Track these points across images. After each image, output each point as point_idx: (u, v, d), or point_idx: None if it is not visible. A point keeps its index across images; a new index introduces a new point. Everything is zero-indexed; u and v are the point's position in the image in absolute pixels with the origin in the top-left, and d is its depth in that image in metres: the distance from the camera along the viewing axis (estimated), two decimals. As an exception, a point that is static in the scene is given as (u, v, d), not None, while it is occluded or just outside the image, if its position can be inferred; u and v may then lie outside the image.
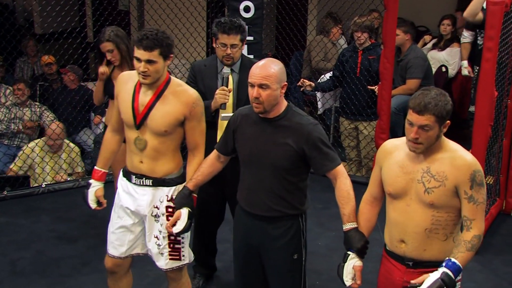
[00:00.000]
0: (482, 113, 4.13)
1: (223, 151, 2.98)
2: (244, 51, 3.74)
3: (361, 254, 2.70)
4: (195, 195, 3.03)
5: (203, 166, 3.03)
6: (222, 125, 3.48)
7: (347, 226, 2.72)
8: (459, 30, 6.61)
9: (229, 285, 3.90)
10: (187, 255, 3.14)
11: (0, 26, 6.14)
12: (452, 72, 6.46)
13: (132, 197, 3.06)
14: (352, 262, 2.69)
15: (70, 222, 4.76)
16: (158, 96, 2.93)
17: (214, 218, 3.82)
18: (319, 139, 2.74)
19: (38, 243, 4.48)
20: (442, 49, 6.52)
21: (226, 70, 3.48)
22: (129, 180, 3.07)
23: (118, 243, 3.14)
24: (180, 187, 3.04)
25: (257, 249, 2.90)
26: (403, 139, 2.56)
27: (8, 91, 6.26)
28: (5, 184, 5.24)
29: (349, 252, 2.71)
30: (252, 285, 3.00)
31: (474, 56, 6.07)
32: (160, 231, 3.05)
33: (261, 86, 2.67)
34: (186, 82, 3.67)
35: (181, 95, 2.94)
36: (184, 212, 2.96)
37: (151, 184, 3.02)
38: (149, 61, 2.81)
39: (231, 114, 3.35)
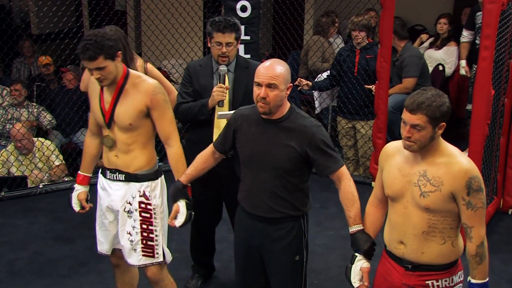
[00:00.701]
0: (479, 111, 4.14)
1: (220, 149, 2.97)
2: (241, 50, 3.74)
3: (368, 255, 2.71)
4: (189, 185, 3.02)
5: (197, 161, 3.01)
6: (218, 123, 3.48)
7: (354, 228, 2.72)
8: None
9: (227, 285, 3.90)
10: (161, 254, 3.13)
11: (-3, 26, 6.14)
12: (449, 71, 6.47)
13: (106, 192, 3.12)
14: (360, 264, 2.70)
15: (67, 222, 4.76)
16: (119, 92, 2.98)
17: (211, 218, 3.81)
18: (322, 141, 2.73)
19: (36, 244, 4.47)
20: (439, 48, 6.52)
21: (223, 67, 3.47)
22: (105, 176, 3.13)
23: (102, 240, 3.23)
24: (153, 183, 3.07)
25: (258, 250, 2.89)
26: None
27: (4, 91, 6.24)
28: (2, 184, 5.23)
29: (356, 254, 2.71)
30: (253, 286, 2.99)
31: (472, 55, 6.08)
32: (133, 227, 3.07)
33: (269, 86, 2.66)
34: (182, 83, 3.68)
35: (140, 86, 2.97)
36: (182, 204, 2.96)
37: (123, 179, 3.06)
38: (98, 69, 2.85)
39: (228, 112, 3.36)
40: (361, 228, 2.72)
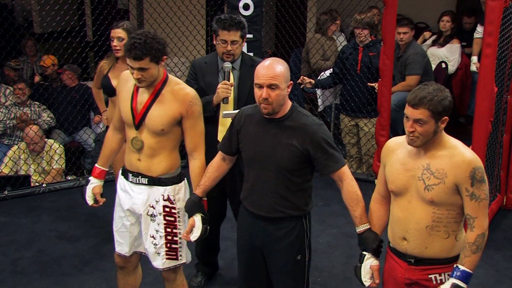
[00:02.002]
0: (482, 108, 4.13)
1: (227, 152, 2.96)
2: (244, 48, 3.75)
3: (376, 254, 2.72)
4: (205, 199, 3.02)
5: (209, 171, 2.99)
6: (223, 121, 3.49)
7: (361, 228, 2.73)
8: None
9: (231, 283, 3.91)
10: (185, 255, 3.13)
11: (-1, 25, 6.14)
12: (451, 68, 6.46)
13: (128, 195, 3.08)
14: (369, 262, 2.72)
15: (71, 221, 4.77)
16: (155, 96, 2.93)
17: (215, 216, 3.81)
18: (324, 139, 2.73)
19: (39, 243, 4.48)
20: (442, 45, 6.52)
21: (227, 64, 3.48)
22: (126, 178, 3.08)
23: (122, 242, 3.18)
24: (176, 187, 3.04)
25: (260, 249, 2.89)
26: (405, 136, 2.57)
27: (8, 91, 6.27)
28: (5, 184, 5.24)
29: (364, 253, 2.72)
30: (256, 285, 3.00)
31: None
32: (156, 231, 3.04)
33: (270, 86, 2.65)
34: (187, 79, 3.69)
35: (178, 94, 2.93)
36: (198, 219, 2.95)
37: (146, 183, 3.02)
38: (141, 69, 2.82)
39: (232, 112, 3.37)
40: (368, 227, 2.73)
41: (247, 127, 2.83)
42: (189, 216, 2.97)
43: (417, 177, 2.50)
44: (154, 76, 2.88)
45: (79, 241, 4.50)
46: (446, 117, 2.44)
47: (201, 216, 2.96)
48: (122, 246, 3.19)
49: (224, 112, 3.45)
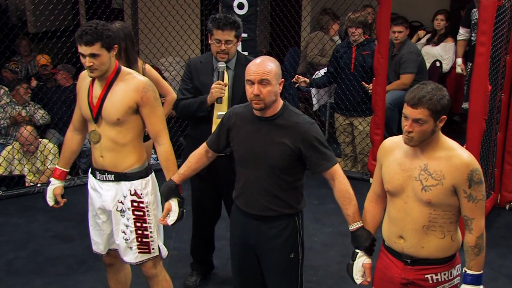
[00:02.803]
0: (476, 107, 4.15)
1: (214, 148, 2.97)
2: (239, 48, 3.75)
3: (369, 252, 2.73)
4: (180, 185, 3.03)
5: (190, 161, 3.01)
6: (217, 121, 3.47)
7: (353, 226, 2.74)
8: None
9: (226, 282, 3.91)
10: (157, 248, 3.14)
11: (-7, 25, 6.13)
12: (446, 67, 6.48)
13: (98, 193, 3.11)
14: (361, 260, 2.72)
15: (66, 221, 4.76)
16: (109, 86, 2.97)
17: (210, 215, 3.82)
18: (315, 138, 2.73)
19: (34, 243, 4.48)
20: (436, 44, 6.53)
21: (221, 64, 3.48)
22: (95, 176, 3.12)
23: (97, 240, 3.23)
24: (143, 181, 3.06)
25: (253, 248, 2.90)
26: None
27: (2, 91, 6.25)
28: (0, 184, 5.23)
29: (357, 250, 2.73)
30: (250, 284, 3.00)
31: (468, 52, 6.10)
32: (126, 226, 3.07)
33: (261, 82, 2.66)
34: (182, 79, 3.69)
35: (131, 82, 2.97)
36: (174, 203, 2.97)
37: (113, 179, 3.05)
38: (92, 55, 2.85)
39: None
40: (361, 225, 2.73)
41: (238, 126, 2.83)
42: (165, 201, 2.98)
43: (414, 178, 2.50)
44: (106, 65, 2.91)
45: (74, 241, 4.49)
46: (445, 116, 2.44)
47: (178, 200, 2.98)
48: (97, 245, 3.24)
49: (219, 112, 3.46)
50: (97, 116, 2.99)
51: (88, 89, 3.03)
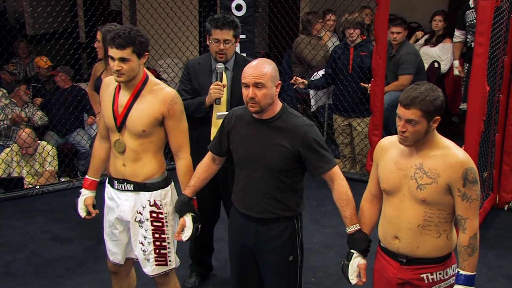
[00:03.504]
0: (474, 107, 4.15)
1: (217, 152, 2.96)
2: (237, 49, 3.75)
3: (364, 253, 2.73)
4: (195, 198, 3.01)
5: (198, 171, 2.99)
6: (216, 122, 3.49)
7: (351, 228, 2.73)
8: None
9: (225, 283, 3.91)
10: (174, 260, 3.11)
11: (-9, 27, 6.13)
12: (444, 67, 6.48)
13: (115, 203, 3.06)
14: (357, 261, 2.72)
15: (64, 223, 4.76)
16: (136, 96, 2.91)
17: (209, 217, 3.82)
18: (314, 140, 2.73)
19: (33, 244, 4.47)
20: (434, 45, 6.54)
21: (220, 65, 3.48)
22: (112, 186, 3.06)
23: (114, 251, 3.17)
24: (163, 192, 3.01)
25: (252, 250, 2.89)
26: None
27: (0, 93, 6.25)
28: (-1, 186, 5.23)
29: (352, 251, 2.73)
30: (248, 286, 3.00)
31: (464, 54, 6.11)
32: (145, 237, 3.03)
33: (256, 85, 2.65)
34: (180, 80, 3.69)
35: (159, 93, 2.91)
36: (188, 218, 2.96)
37: (132, 189, 2.99)
38: (122, 59, 2.80)
39: (226, 113, 3.37)
40: (359, 227, 2.73)
41: (238, 128, 2.83)
42: (180, 217, 2.96)
43: (409, 176, 2.51)
44: (134, 71, 2.85)
45: (72, 243, 4.49)
46: (438, 117, 2.44)
47: (192, 215, 2.96)
48: (115, 255, 3.17)
49: (218, 113, 3.45)
50: (121, 125, 2.92)
51: (113, 97, 2.96)
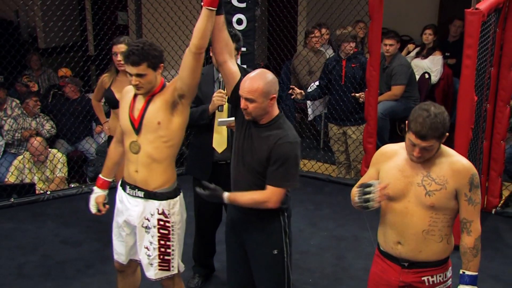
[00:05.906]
0: (463, 116, 4.16)
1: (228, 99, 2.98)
2: (238, 61, 3.77)
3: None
4: None
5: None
6: (218, 129, 3.51)
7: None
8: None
9: (226, 284, 3.89)
10: (176, 266, 3.10)
11: (5, 41, 6.15)
12: (434, 78, 6.49)
13: (125, 206, 3.06)
14: None
15: (74, 227, 4.76)
16: (149, 100, 2.93)
17: (212, 220, 3.83)
18: (283, 155, 2.71)
19: (44, 247, 4.47)
20: (425, 57, 6.54)
21: None
22: (124, 189, 3.07)
23: (118, 251, 3.18)
24: (171, 202, 3.00)
25: (241, 240, 2.92)
26: (401, 145, 2.57)
27: (14, 103, 6.26)
28: (11, 191, 5.23)
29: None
30: (241, 277, 3.01)
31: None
32: (150, 243, 3.02)
33: (246, 99, 2.70)
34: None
35: (167, 88, 2.93)
36: None
37: (142, 196, 2.99)
38: (139, 75, 2.81)
39: (227, 119, 3.40)
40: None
41: (243, 125, 2.84)
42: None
43: (416, 184, 2.50)
44: (152, 83, 2.87)
45: (82, 246, 4.49)
46: (447, 133, 2.45)
47: None
48: (119, 255, 3.19)
49: (220, 119, 3.47)
50: (138, 126, 2.92)
51: (130, 103, 2.98)
